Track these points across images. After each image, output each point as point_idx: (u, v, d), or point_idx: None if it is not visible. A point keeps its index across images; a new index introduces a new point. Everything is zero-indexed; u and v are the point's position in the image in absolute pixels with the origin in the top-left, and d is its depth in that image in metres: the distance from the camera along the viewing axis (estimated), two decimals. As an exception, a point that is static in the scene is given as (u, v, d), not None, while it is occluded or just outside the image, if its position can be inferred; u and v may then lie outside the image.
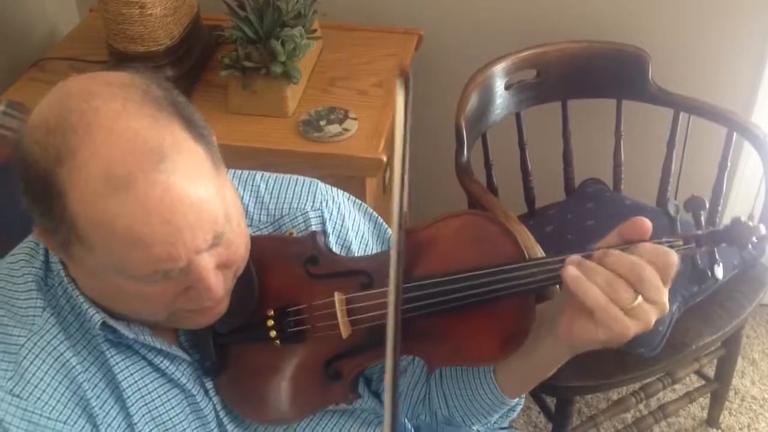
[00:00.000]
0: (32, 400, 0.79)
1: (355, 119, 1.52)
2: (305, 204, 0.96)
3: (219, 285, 0.78)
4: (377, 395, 1.02)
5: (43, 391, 0.80)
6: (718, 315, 1.57)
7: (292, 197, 0.96)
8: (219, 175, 0.78)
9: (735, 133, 1.66)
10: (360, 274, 0.86)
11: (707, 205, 0.87)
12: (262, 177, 0.98)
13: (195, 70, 1.63)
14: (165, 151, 0.71)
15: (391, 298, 0.70)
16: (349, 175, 1.44)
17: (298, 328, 0.86)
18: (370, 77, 1.65)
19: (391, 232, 0.92)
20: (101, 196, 0.70)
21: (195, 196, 0.73)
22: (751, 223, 0.83)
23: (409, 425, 1.15)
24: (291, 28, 1.49)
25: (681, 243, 0.82)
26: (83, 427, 0.81)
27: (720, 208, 1.71)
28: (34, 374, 0.80)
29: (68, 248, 0.75)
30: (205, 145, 0.76)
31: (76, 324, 0.83)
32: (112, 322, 0.82)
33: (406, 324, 0.80)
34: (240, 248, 0.81)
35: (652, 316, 0.77)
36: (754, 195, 2.04)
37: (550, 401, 1.67)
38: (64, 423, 0.80)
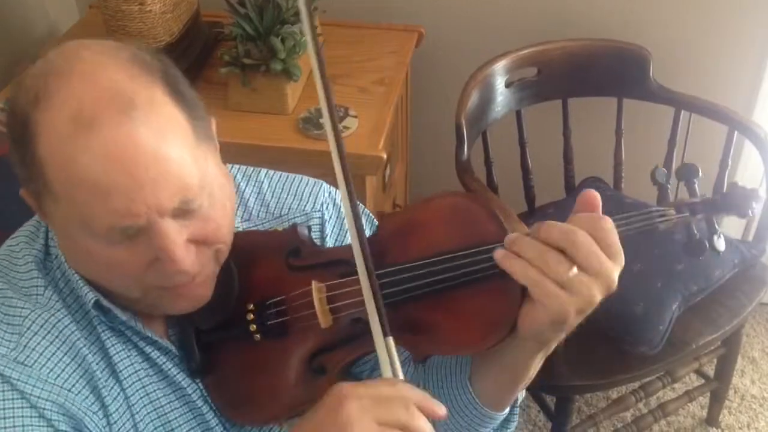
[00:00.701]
0: (38, 367, 0.79)
1: (355, 117, 1.51)
2: (305, 205, 0.95)
3: (187, 259, 0.75)
4: None
5: (48, 359, 0.79)
6: (718, 314, 1.57)
7: (294, 198, 0.95)
8: (200, 146, 0.76)
9: (736, 132, 1.66)
10: (340, 263, 0.83)
11: (700, 173, 0.81)
12: (266, 174, 0.97)
13: (195, 67, 1.63)
14: (138, 103, 0.71)
15: (362, 278, 0.67)
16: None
17: (278, 320, 0.84)
18: (370, 74, 1.64)
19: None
20: (67, 136, 0.69)
21: (162, 152, 0.71)
22: (749, 187, 0.78)
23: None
24: (291, 25, 1.49)
25: (673, 212, 0.78)
26: (87, 397, 0.81)
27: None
28: (38, 343, 0.79)
29: (40, 201, 0.75)
30: (190, 115, 0.75)
31: (75, 305, 0.83)
32: (105, 303, 0.81)
33: (387, 312, 0.78)
34: (222, 228, 0.78)
35: (595, 290, 0.72)
36: (754, 194, 2.03)
37: (550, 400, 1.67)
38: (69, 390, 0.79)
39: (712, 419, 1.93)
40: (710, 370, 1.86)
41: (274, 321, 0.84)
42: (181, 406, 0.87)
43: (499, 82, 1.67)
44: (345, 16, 1.79)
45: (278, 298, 0.84)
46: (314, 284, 0.81)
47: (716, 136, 1.71)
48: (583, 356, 1.48)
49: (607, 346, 1.50)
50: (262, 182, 0.96)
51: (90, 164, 0.69)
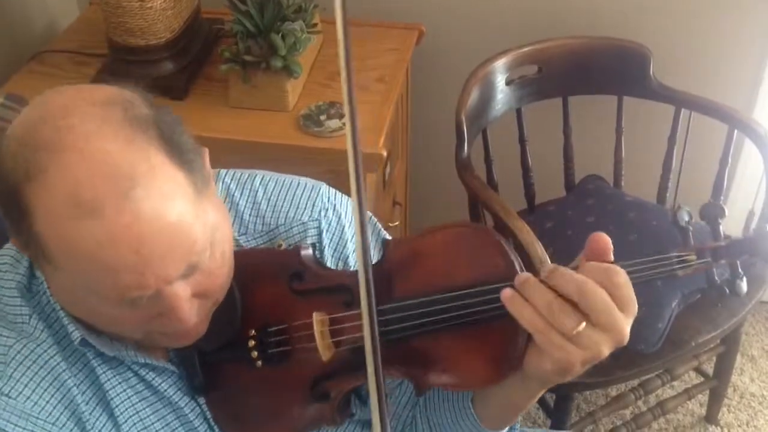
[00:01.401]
0: (21, 400, 0.77)
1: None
2: (302, 214, 0.92)
3: (192, 314, 0.75)
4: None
5: (33, 391, 0.78)
6: (717, 312, 1.57)
7: (290, 206, 0.92)
8: (200, 201, 0.72)
9: (736, 130, 1.65)
10: (344, 291, 0.81)
11: (726, 213, 0.77)
12: (261, 180, 0.93)
13: (195, 63, 1.63)
14: (137, 177, 0.67)
15: (365, 317, 0.64)
16: (348, 170, 1.44)
17: (279, 349, 0.83)
18: (370, 72, 1.64)
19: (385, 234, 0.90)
20: (67, 219, 0.67)
21: (166, 222, 0.68)
22: None
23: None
24: (291, 22, 1.49)
25: (694, 257, 0.75)
26: (71, 430, 0.79)
27: (720, 205, 1.71)
28: (23, 374, 0.78)
29: (39, 264, 0.73)
30: (188, 169, 0.72)
31: (63, 332, 0.81)
32: (91, 340, 0.80)
33: (392, 345, 0.77)
34: (219, 278, 0.77)
35: (604, 346, 0.71)
36: (754, 192, 2.03)
37: (549, 397, 1.67)
38: (53, 424, 0.78)
39: (711, 417, 1.93)
40: (709, 368, 1.86)
41: (275, 350, 0.83)
42: (177, 428, 0.86)
43: (500, 80, 1.67)
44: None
45: (280, 327, 0.83)
46: (315, 316, 0.80)
47: (716, 134, 1.71)
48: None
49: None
50: (257, 191, 0.92)
51: (96, 247, 0.67)
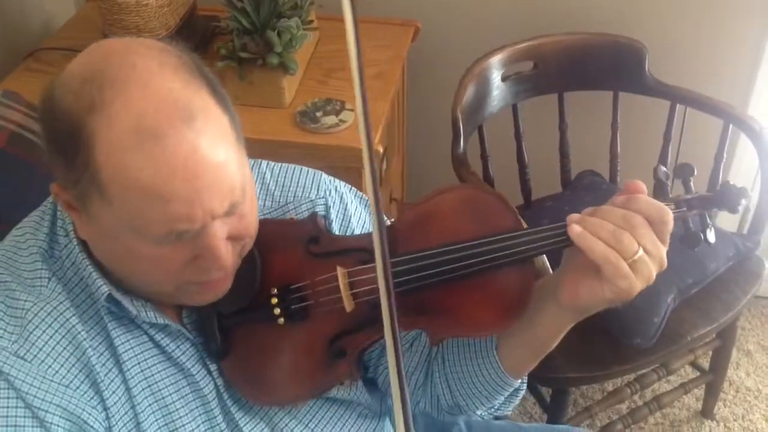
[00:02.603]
0: (36, 363, 0.79)
1: (352, 110, 1.51)
2: (310, 192, 0.97)
3: (228, 256, 0.79)
4: (373, 382, 1.02)
5: (48, 354, 0.80)
6: (713, 307, 1.58)
7: (297, 186, 0.98)
8: (240, 147, 0.79)
9: (731, 126, 1.66)
10: (359, 251, 0.87)
11: (695, 171, 0.88)
12: (267, 165, 0.99)
13: (191, 60, 1.63)
14: (195, 112, 0.73)
15: (378, 261, 0.67)
16: (345, 166, 1.44)
17: (302, 305, 0.87)
18: (366, 69, 1.60)
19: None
20: (129, 146, 0.71)
21: (218, 160, 0.74)
22: (739, 186, 0.85)
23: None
24: (287, 18, 1.49)
25: (673, 206, 0.83)
26: (86, 392, 0.81)
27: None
28: (39, 337, 0.80)
29: (86, 202, 0.76)
30: (230, 117, 0.79)
31: (83, 295, 0.84)
32: (117, 296, 0.82)
33: (406, 297, 0.82)
34: (252, 223, 0.82)
35: (654, 270, 0.78)
36: (749, 188, 2.04)
37: (546, 392, 1.68)
38: (67, 387, 0.80)
39: (707, 411, 1.93)
40: (705, 363, 1.87)
41: (298, 305, 0.87)
42: (188, 394, 0.88)
43: (496, 76, 1.67)
44: (341, 11, 1.79)
45: (302, 284, 0.87)
46: (339, 269, 0.85)
47: (712, 129, 1.72)
48: (578, 348, 1.48)
49: (603, 338, 1.50)
50: (265, 173, 0.98)
51: (153, 174, 0.71)
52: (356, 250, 0.88)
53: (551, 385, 1.59)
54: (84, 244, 0.83)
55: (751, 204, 2.00)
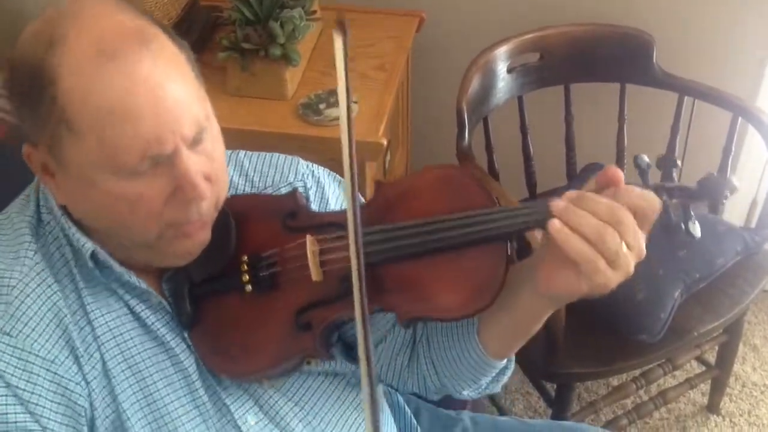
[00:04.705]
0: (22, 338, 0.80)
1: (356, 103, 1.50)
2: (288, 176, 0.98)
3: (206, 190, 0.80)
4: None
5: (33, 329, 0.81)
6: (720, 301, 1.57)
7: (275, 171, 0.99)
8: (200, 89, 0.82)
9: (740, 118, 1.64)
10: (334, 225, 0.87)
11: (679, 164, 0.86)
12: (245, 154, 1.00)
13: (193, 51, 1.61)
14: (149, 37, 0.77)
15: (351, 230, 0.69)
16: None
17: (270, 271, 0.87)
18: (370, 60, 1.63)
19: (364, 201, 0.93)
20: (91, 70, 0.74)
21: (177, 85, 0.77)
22: (723, 177, 0.82)
23: (407, 409, 1.14)
24: (290, 9, 1.47)
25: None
26: (70, 368, 0.82)
27: (723, 194, 1.70)
28: (24, 313, 0.81)
29: (58, 149, 0.77)
30: (188, 58, 0.82)
31: (65, 269, 0.85)
32: (102, 254, 0.83)
33: (374, 274, 0.82)
34: (221, 168, 0.84)
35: (632, 263, 0.76)
36: (757, 180, 2.02)
37: (550, 387, 1.67)
38: (52, 362, 0.81)
39: (712, 406, 1.92)
40: (711, 358, 1.86)
41: (266, 272, 0.87)
42: (168, 367, 0.88)
43: (501, 68, 1.66)
44: (345, 1, 1.77)
45: (272, 251, 0.88)
46: (308, 237, 0.85)
47: (720, 122, 1.70)
48: (583, 343, 1.48)
49: (608, 333, 1.50)
50: (243, 162, 0.99)
51: (118, 91, 0.74)
52: (331, 225, 0.88)
53: (556, 380, 1.58)
54: (65, 211, 0.84)
55: (759, 197, 1.99)
